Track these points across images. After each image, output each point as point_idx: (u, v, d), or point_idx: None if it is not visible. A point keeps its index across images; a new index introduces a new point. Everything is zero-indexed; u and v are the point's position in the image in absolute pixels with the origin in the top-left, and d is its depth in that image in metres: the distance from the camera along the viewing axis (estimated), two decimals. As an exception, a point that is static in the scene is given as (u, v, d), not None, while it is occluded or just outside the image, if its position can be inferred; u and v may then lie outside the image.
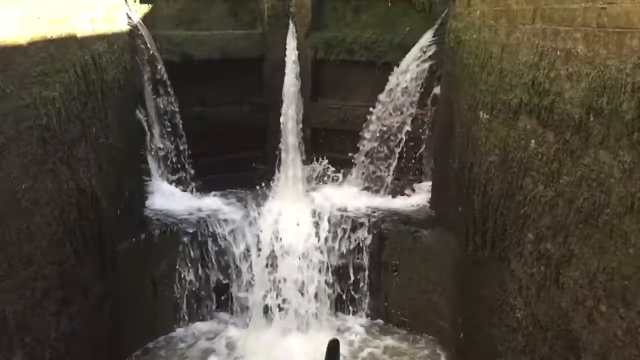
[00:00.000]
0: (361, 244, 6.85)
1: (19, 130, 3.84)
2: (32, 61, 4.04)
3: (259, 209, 7.14)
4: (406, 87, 6.92)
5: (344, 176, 7.68)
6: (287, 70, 7.34)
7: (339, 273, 6.95)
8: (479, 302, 5.16)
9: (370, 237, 6.80)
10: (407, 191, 7.48)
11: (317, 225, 6.91)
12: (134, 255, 6.11)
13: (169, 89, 6.89)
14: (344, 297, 7.06)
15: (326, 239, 6.87)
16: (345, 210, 7.06)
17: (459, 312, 5.90)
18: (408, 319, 6.83)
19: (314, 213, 7.03)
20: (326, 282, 6.93)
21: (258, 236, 6.90)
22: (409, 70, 6.84)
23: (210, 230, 6.74)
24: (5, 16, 3.66)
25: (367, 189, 7.54)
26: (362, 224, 6.83)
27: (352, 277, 6.97)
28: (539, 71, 3.95)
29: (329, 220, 6.89)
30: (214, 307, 7.01)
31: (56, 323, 4.39)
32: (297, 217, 7.01)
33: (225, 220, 6.87)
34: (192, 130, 7.22)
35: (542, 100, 3.88)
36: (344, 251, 6.88)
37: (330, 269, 6.90)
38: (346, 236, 6.85)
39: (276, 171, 7.66)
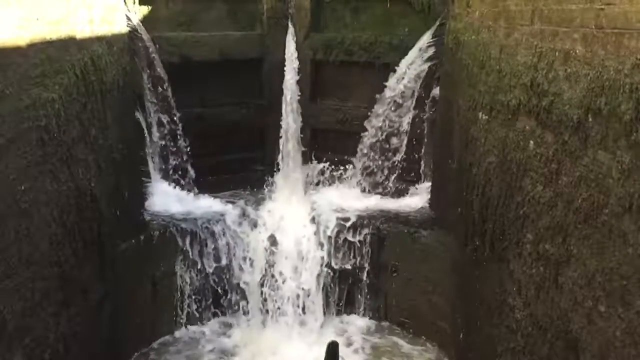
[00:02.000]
0: (361, 245, 6.84)
1: (18, 131, 3.85)
2: (31, 62, 4.04)
3: (259, 211, 7.14)
4: (405, 88, 6.93)
5: (344, 177, 7.68)
6: (286, 71, 7.35)
7: (339, 274, 6.95)
8: (478, 302, 5.16)
9: (369, 238, 6.79)
10: (406, 192, 7.48)
11: (316, 226, 6.90)
12: (134, 257, 6.11)
13: (168, 90, 6.88)
14: (343, 298, 7.06)
15: (325, 240, 6.86)
16: (344, 211, 7.06)
17: (458, 312, 5.90)
18: (408, 319, 6.83)
19: (313, 214, 7.03)
20: (325, 283, 6.93)
21: (257, 237, 6.89)
22: (408, 71, 6.85)
23: (210, 231, 6.73)
24: (5, 17, 3.66)
25: (366, 189, 7.55)
26: (361, 225, 6.82)
27: (352, 278, 6.97)
28: (537, 72, 3.95)
29: (328, 221, 6.89)
30: (213, 308, 6.99)
31: (56, 324, 4.38)
32: (296, 218, 7.01)
33: (225, 222, 6.86)
34: (191, 131, 7.21)
35: (541, 101, 3.89)
36: (344, 252, 6.88)
37: (329, 270, 6.90)
38: (345, 237, 6.84)
39: (275, 172, 7.66)
